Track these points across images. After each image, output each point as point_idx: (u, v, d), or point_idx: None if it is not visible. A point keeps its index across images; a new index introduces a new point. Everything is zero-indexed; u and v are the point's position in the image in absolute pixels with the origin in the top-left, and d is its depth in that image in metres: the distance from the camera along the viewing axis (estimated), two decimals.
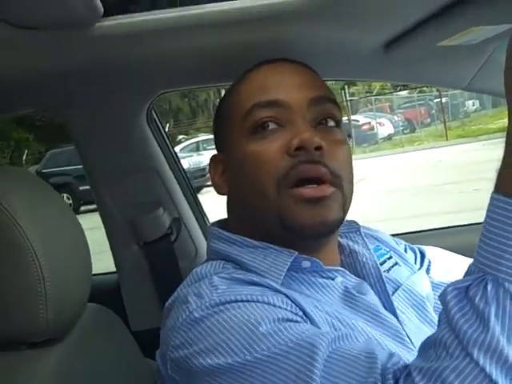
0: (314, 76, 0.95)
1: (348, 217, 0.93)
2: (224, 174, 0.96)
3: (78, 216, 1.04)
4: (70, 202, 12.23)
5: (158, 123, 1.40)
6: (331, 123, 0.90)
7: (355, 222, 1.00)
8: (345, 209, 0.89)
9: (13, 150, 18.47)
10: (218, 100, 1.08)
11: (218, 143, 1.00)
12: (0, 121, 9.73)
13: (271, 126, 0.87)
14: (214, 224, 0.99)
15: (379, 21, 1.04)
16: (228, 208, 0.97)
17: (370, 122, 18.96)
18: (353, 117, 19.18)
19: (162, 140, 1.40)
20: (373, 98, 21.41)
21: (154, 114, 1.37)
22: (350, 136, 17.66)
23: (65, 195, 12.14)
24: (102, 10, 0.95)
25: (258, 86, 0.91)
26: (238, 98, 0.93)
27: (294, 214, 0.84)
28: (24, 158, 18.14)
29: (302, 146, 0.83)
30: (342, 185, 0.86)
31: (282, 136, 0.86)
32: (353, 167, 0.92)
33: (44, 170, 13.02)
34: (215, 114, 1.03)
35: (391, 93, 22.38)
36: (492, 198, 0.62)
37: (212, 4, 1.04)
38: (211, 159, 0.99)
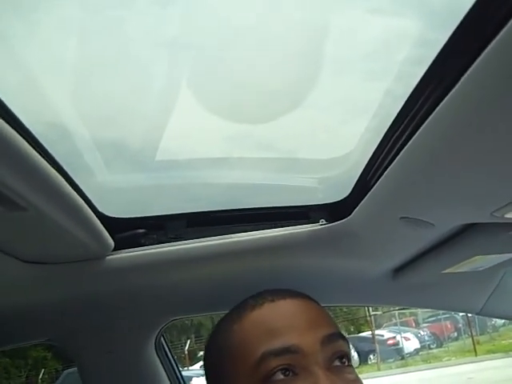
0: (320, 310, 0.92)
1: None
2: None
3: None
4: None
5: (167, 349, 1.37)
6: (344, 361, 0.86)
7: None
8: None
9: (30, 369, 17.96)
10: None
11: (217, 379, 0.92)
12: None
13: (285, 375, 0.81)
14: None
15: (386, 250, 1.07)
16: None
17: (394, 337, 18.40)
18: (377, 331, 18.69)
19: (170, 367, 1.35)
20: (396, 312, 21.07)
21: (163, 340, 1.35)
22: (374, 352, 17.07)
23: None
24: (113, 244, 0.99)
25: (266, 329, 0.85)
26: (244, 340, 0.87)
27: None
28: (40, 376, 17.60)
29: None
30: None
31: None
32: None
33: None
34: (210, 348, 0.96)
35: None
36: None
37: (219, 236, 1.08)
38: None
